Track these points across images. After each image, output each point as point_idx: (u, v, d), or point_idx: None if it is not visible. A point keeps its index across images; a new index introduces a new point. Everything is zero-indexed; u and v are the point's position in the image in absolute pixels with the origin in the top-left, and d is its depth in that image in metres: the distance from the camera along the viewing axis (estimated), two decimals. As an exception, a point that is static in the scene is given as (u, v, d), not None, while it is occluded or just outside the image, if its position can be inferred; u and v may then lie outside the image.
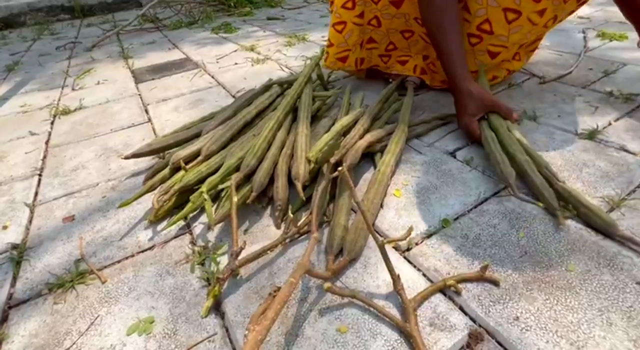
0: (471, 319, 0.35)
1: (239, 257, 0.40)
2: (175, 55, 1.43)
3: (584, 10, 1.40)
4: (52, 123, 0.91)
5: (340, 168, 0.37)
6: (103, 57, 1.54)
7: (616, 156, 0.55)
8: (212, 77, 1.11)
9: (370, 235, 0.43)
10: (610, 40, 1.04)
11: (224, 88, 1.01)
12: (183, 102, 0.94)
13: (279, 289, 0.36)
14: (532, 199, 0.48)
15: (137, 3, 2.94)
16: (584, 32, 1.12)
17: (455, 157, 0.60)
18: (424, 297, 0.36)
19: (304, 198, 0.48)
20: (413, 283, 0.39)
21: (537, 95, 0.77)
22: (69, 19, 2.74)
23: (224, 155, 0.58)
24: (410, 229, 0.41)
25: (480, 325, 0.34)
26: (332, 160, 0.49)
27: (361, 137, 0.57)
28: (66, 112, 0.95)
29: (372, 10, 0.75)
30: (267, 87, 0.81)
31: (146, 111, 0.92)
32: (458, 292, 0.37)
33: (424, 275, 0.40)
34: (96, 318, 0.39)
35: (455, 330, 0.34)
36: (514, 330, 0.33)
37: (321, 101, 0.74)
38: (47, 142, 0.81)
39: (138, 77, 1.20)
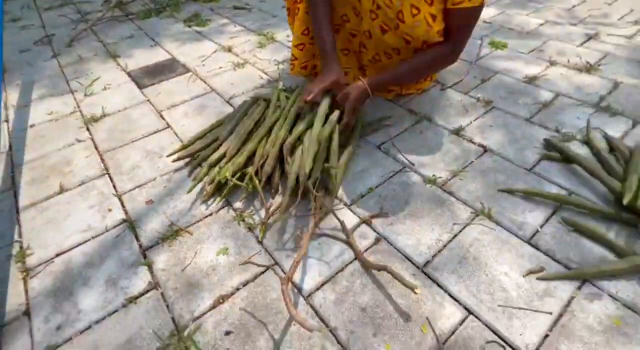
0: (377, 233, 0.78)
1: (270, 209, 0.79)
2: (160, 54, 1.65)
3: (489, 13, 1.79)
4: (88, 130, 1.18)
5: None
6: (89, 54, 1.71)
7: (465, 145, 0.99)
8: (204, 81, 1.39)
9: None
10: (496, 49, 1.46)
11: (217, 94, 1.31)
12: (189, 108, 1.24)
13: (301, 232, 0.75)
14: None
15: (89, -22, 2.86)
16: (481, 39, 1.52)
17: (380, 149, 1.01)
18: (354, 228, 0.78)
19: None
20: (351, 220, 0.81)
21: (437, 100, 1.18)
22: (19, -2, 2.64)
23: (241, 153, 0.93)
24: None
25: (380, 235, 0.77)
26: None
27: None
28: (95, 119, 1.22)
29: None
30: (255, 100, 1.14)
31: (162, 117, 1.21)
32: (368, 223, 0.80)
33: (357, 217, 0.82)
34: (197, 250, 0.77)
35: (370, 238, 0.77)
36: (394, 236, 0.77)
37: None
38: (96, 148, 1.10)
39: (138, 81, 1.44)
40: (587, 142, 0.95)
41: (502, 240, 0.74)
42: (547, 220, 0.77)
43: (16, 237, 0.83)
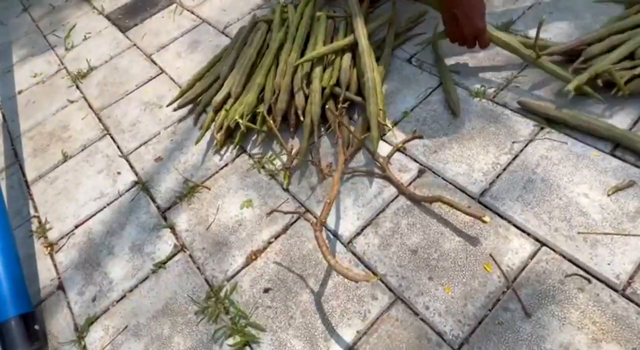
0: (419, 163, 0.66)
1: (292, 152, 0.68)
2: (137, -12, 1.41)
3: None
4: (77, 88, 1.06)
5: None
6: (61, 1, 1.50)
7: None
8: (192, 12, 1.19)
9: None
10: None
11: (210, 25, 1.12)
12: (181, 47, 1.07)
13: (329, 164, 0.65)
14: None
15: None
16: None
17: (411, 62, 0.83)
18: (388, 156, 0.66)
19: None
20: (385, 151, 0.68)
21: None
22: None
23: (249, 90, 0.79)
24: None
25: (423, 165, 0.65)
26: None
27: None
28: (82, 75, 1.09)
29: None
30: (254, 24, 0.95)
31: (153, 61, 1.06)
32: (403, 150, 0.67)
33: (391, 146, 0.69)
34: (219, 206, 0.70)
35: (412, 171, 0.65)
36: (441, 165, 0.65)
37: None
38: (90, 107, 0.99)
39: (118, 24, 1.26)
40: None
41: (578, 155, 0.60)
42: (635, 123, 0.62)
43: (32, 212, 0.79)
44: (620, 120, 0.62)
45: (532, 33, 0.78)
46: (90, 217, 0.74)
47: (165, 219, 0.71)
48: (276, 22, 0.89)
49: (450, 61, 0.79)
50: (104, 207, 0.75)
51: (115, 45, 1.16)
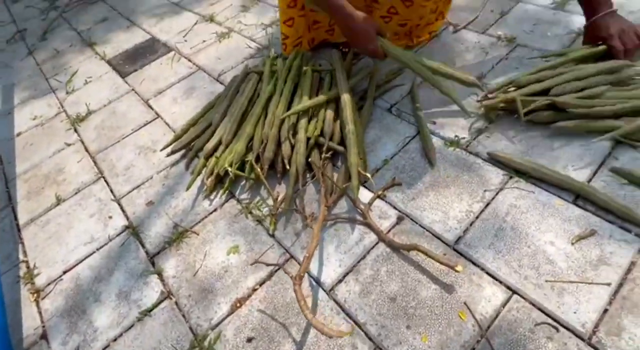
0: (398, 210, 0.70)
1: (278, 199, 0.71)
2: (138, 35, 1.51)
3: None
4: (75, 131, 1.11)
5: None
6: (65, 46, 1.59)
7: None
8: (189, 60, 1.27)
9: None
10: (514, -28, 1.24)
11: (205, 72, 1.19)
12: (177, 93, 1.14)
13: (313, 220, 0.68)
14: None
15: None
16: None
17: (391, 112, 0.89)
18: (369, 203, 0.70)
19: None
20: (366, 197, 0.72)
21: (450, 46, 1.03)
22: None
23: (239, 138, 0.84)
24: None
25: (402, 212, 0.69)
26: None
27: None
28: (81, 119, 1.14)
29: None
30: (246, 74, 1.02)
31: (150, 106, 1.12)
32: (383, 197, 0.71)
33: (372, 192, 0.73)
34: (206, 252, 0.72)
35: (391, 218, 0.69)
36: (418, 212, 0.68)
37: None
38: (87, 150, 1.03)
39: (119, 69, 1.33)
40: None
41: (544, 204, 0.65)
42: (594, 174, 0.67)
43: (21, 256, 0.80)
44: (582, 172, 0.67)
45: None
46: (79, 262, 0.76)
47: (153, 264, 0.73)
48: (266, 73, 0.96)
49: (426, 111, 0.86)
50: (94, 252, 0.77)
51: (114, 90, 1.23)
